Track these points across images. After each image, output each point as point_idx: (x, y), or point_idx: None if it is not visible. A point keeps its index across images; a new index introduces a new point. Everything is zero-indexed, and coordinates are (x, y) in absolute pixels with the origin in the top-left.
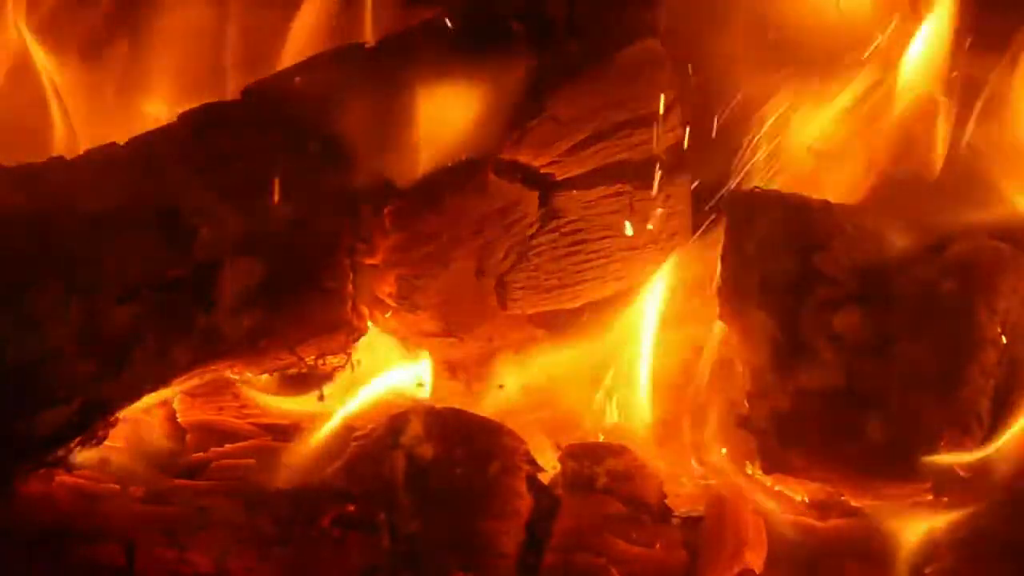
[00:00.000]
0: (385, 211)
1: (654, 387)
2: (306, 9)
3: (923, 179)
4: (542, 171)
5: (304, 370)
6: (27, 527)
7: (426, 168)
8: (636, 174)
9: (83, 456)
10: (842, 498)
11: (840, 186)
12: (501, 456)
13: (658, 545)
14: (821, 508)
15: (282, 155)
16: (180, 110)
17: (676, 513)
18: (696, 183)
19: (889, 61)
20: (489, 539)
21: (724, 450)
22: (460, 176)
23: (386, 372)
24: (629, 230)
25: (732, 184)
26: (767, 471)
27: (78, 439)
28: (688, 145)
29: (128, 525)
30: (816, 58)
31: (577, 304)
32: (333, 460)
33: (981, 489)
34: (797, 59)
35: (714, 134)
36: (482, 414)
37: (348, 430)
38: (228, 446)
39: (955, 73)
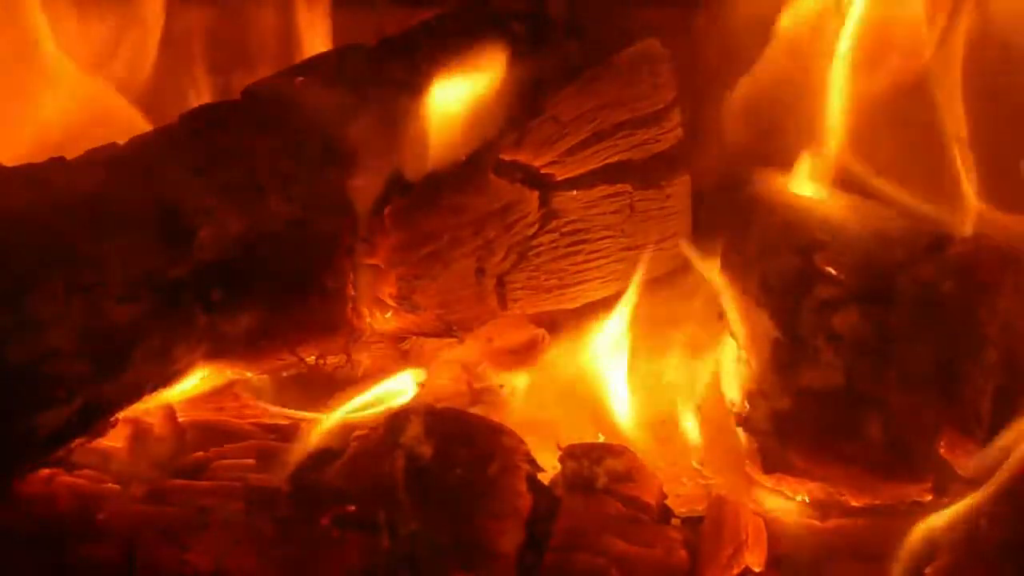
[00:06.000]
0: (385, 211)
1: (654, 387)
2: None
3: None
4: (542, 171)
5: (304, 370)
6: (27, 527)
7: (426, 168)
8: (636, 174)
9: (83, 456)
10: (842, 498)
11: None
12: (501, 456)
13: (658, 545)
14: (821, 508)
15: (282, 155)
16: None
17: (676, 513)
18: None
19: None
20: (489, 539)
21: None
22: (460, 176)
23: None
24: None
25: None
26: (767, 471)
27: (78, 439)
28: (688, 145)
29: (128, 525)
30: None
31: (577, 304)
32: (333, 460)
33: (981, 489)
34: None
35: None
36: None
37: (348, 430)
38: (228, 446)
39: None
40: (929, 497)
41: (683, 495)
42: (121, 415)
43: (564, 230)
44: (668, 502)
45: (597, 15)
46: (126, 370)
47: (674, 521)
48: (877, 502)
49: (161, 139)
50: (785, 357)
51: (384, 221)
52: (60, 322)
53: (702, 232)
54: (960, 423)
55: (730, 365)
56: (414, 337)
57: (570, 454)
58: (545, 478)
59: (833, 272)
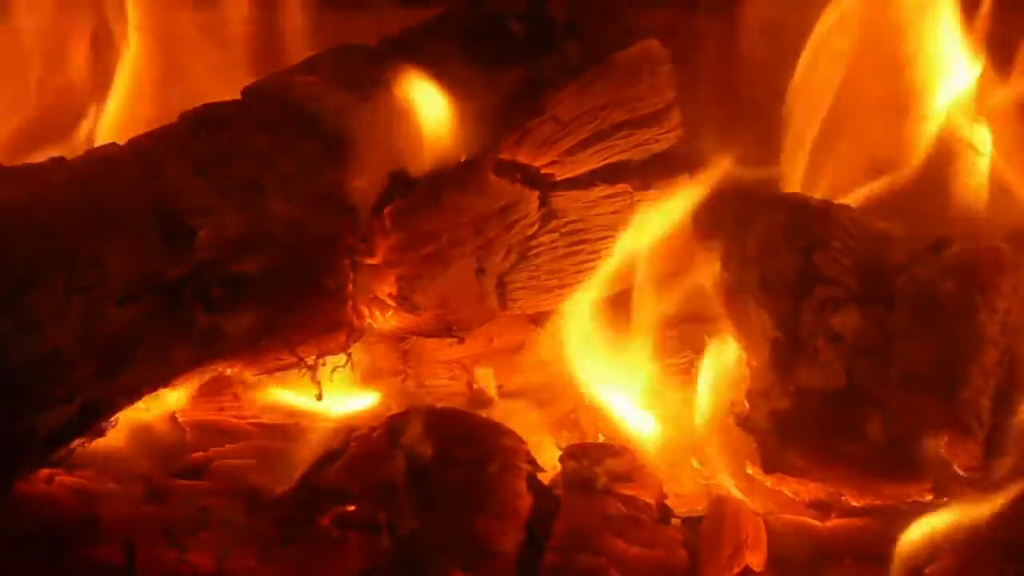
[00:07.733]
0: (385, 211)
1: (654, 387)
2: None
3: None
4: (542, 171)
5: (304, 370)
6: (27, 527)
7: (426, 168)
8: (636, 174)
9: (83, 456)
10: (842, 498)
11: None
12: (501, 456)
13: (658, 545)
14: (821, 508)
15: (282, 155)
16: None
17: (676, 513)
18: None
19: None
20: (489, 539)
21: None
22: (460, 176)
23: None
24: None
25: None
26: (767, 471)
27: (78, 439)
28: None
29: (128, 525)
30: None
31: None
32: (333, 460)
33: (981, 489)
34: None
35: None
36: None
37: (348, 430)
38: (228, 446)
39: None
40: (929, 497)
41: (683, 495)
42: (121, 415)
43: (564, 230)
44: (668, 502)
45: (597, 15)
46: (126, 370)
47: (674, 521)
48: (877, 502)
49: (161, 139)
50: (785, 357)
51: (384, 221)
52: (60, 322)
53: (702, 232)
54: (960, 423)
55: (729, 365)
56: (414, 337)
57: (570, 454)
58: (545, 478)
59: (833, 273)
